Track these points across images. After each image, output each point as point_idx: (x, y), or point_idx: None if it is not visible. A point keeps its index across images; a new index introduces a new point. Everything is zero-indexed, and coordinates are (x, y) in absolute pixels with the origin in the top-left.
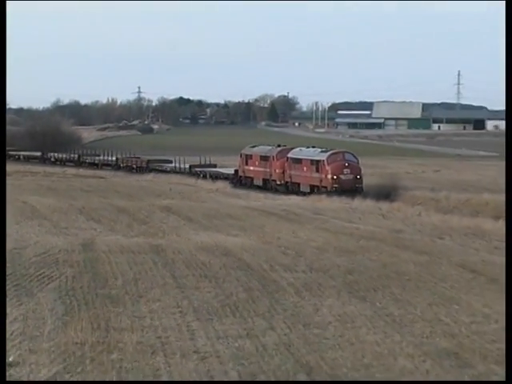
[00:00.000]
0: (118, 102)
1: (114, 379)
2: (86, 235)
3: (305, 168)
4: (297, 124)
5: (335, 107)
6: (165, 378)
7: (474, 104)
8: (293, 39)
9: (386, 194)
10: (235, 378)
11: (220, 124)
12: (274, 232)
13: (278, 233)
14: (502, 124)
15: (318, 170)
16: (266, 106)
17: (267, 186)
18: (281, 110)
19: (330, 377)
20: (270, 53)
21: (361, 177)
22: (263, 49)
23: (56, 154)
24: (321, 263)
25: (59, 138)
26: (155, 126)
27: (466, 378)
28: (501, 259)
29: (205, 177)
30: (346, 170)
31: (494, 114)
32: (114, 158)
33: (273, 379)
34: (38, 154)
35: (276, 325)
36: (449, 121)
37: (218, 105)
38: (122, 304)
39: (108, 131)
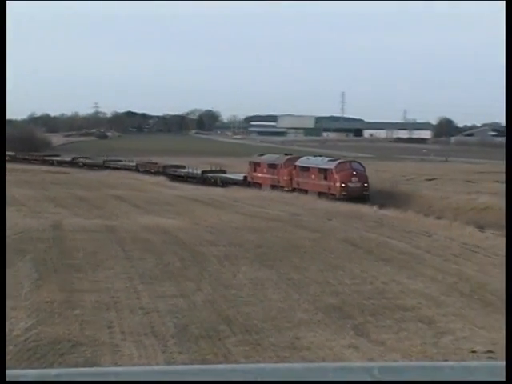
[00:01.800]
0: (80, 115)
1: (77, 330)
2: (55, 218)
3: (313, 176)
4: (219, 132)
5: (249, 119)
6: (117, 329)
7: (354, 117)
8: (215, 68)
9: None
10: (171, 329)
11: (160, 132)
12: (201, 215)
13: (205, 216)
14: (376, 132)
15: (326, 178)
16: (195, 118)
17: None
18: (207, 121)
19: (244, 326)
20: (198, 77)
21: (368, 185)
22: (192, 74)
23: (84, 160)
24: (238, 239)
25: (35, 142)
26: (109, 134)
27: (348, 327)
28: (375, 236)
29: (216, 182)
30: (353, 179)
31: (369, 125)
32: (134, 164)
33: (201, 329)
34: (69, 159)
35: (203, 287)
36: (335, 130)
37: (158, 117)
38: (83, 271)
39: (72, 137)
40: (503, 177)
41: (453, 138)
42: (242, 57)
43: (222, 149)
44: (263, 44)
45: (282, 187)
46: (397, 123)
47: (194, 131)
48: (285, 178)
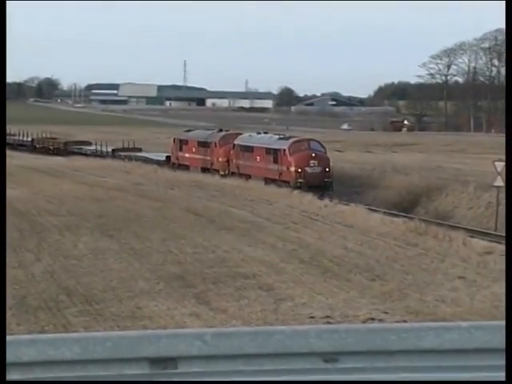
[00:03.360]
0: None
1: None
2: None
3: (258, 158)
4: (59, 100)
5: (90, 87)
6: None
7: (197, 86)
8: (54, 35)
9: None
10: (9, 300)
11: None
12: (41, 185)
13: (44, 186)
14: (218, 102)
15: (276, 161)
16: (33, 85)
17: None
18: (46, 89)
19: (84, 297)
20: (36, 43)
21: (330, 170)
22: (30, 41)
23: None
24: (78, 209)
25: None
26: None
27: (190, 295)
28: (217, 205)
29: (130, 161)
30: (312, 162)
31: (212, 94)
32: (29, 139)
33: (39, 300)
34: None
35: (42, 257)
36: (178, 99)
37: None
38: None
39: None
40: (343, 146)
41: (293, 108)
42: (81, 24)
43: (64, 117)
44: (102, 11)
45: (217, 171)
46: (239, 92)
47: (32, 99)
48: (220, 159)
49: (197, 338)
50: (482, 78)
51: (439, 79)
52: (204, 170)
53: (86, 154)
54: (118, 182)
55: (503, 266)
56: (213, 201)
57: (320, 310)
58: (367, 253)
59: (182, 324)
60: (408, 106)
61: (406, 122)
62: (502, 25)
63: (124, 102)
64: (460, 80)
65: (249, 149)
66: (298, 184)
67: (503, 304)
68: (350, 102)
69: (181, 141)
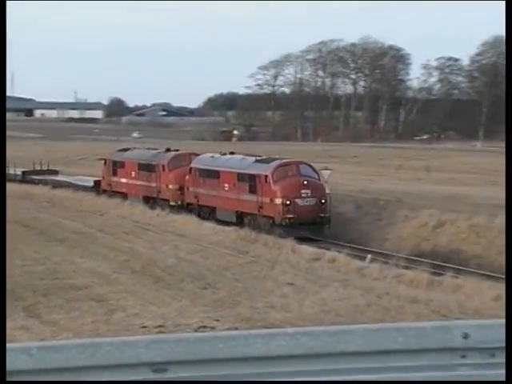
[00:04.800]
0: None
1: None
2: None
3: (226, 185)
4: None
5: None
6: None
7: (25, 96)
8: None
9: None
10: None
11: None
12: None
13: None
14: (47, 112)
15: (254, 191)
16: None
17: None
18: None
19: None
20: None
21: (326, 201)
22: None
23: None
24: None
25: None
26: None
27: (19, 308)
28: (47, 216)
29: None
30: (304, 192)
31: (40, 105)
32: None
33: None
34: None
35: None
36: (7, 109)
37: None
38: None
39: None
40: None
41: (124, 118)
42: None
43: None
44: None
45: (166, 200)
46: (68, 103)
47: None
48: (170, 186)
49: (23, 352)
50: (307, 89)
51: (267, 90)
52: (148, 199)
53: None
54: None
55: (330, 272)
56: (43, 212)
57: (152, 320)
58: (199, 261)
59: (12, 338)
60: (237, 116)
61: (235, 131)
62: (327, 37)
63: None
64: (287, 91)
65: (212, 174)
66: (287, 220)
67: (331, 309)
68: (180, 112)
69: (115, 163)
